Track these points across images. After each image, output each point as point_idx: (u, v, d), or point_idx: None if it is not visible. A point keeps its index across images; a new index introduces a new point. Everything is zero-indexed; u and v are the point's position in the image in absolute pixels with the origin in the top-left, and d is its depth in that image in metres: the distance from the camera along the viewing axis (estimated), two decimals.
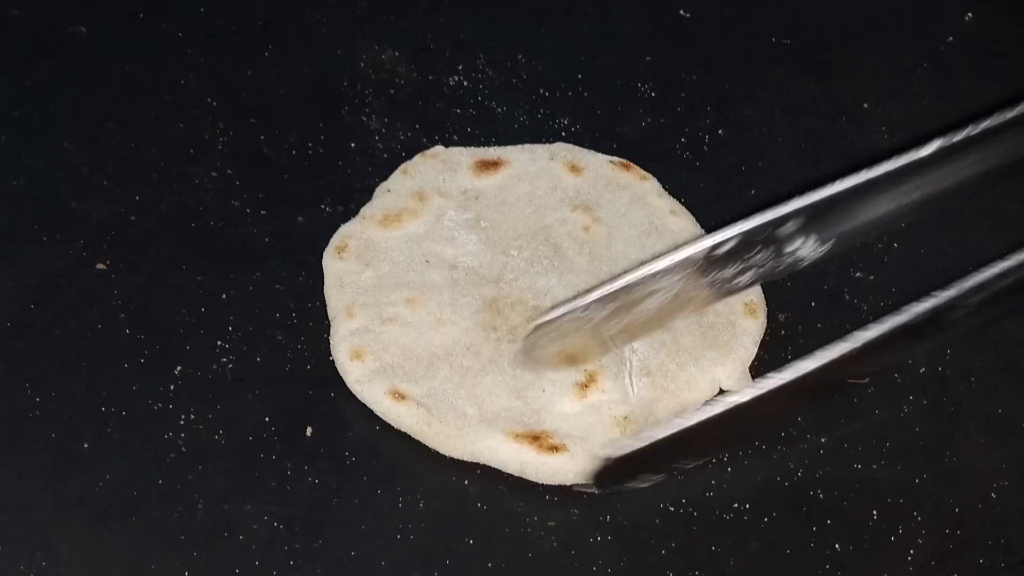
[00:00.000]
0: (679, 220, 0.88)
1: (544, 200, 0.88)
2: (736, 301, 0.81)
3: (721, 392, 0.80)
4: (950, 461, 0.80)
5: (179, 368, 0.82)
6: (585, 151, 0.94)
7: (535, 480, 0.75)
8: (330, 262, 0.84)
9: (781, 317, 0.87)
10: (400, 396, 0.76)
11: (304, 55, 1.04)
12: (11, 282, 0.86)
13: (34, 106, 0.97)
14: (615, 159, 0.94)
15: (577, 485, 0.75)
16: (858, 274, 0.90)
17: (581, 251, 0.84)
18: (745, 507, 0.77)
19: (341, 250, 0.84)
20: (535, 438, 0.74)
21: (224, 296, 0.87)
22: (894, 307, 0.84)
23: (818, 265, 0.85)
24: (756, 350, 0.83)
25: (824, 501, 0.78)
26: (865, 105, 1.02)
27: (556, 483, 0.74)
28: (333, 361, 0.83)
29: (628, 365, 0.78)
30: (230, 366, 0.83)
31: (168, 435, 0.79)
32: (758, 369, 0.83)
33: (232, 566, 0.73)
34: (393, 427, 0.80)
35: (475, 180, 0.88)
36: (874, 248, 0.91)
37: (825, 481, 0.79)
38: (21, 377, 0.81)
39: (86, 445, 0.78)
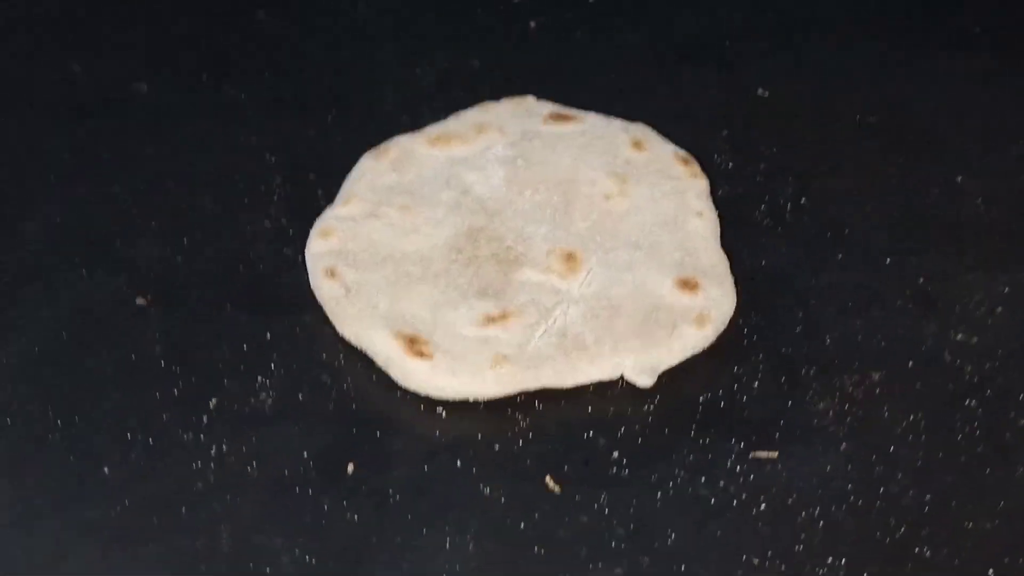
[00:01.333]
0: (700, 223, 0.85)
1: (589, 159, 0.87)
2: (691, 308, 0.79)
3: (622, 379, 0.77)
4: None
5: (214, 401, 0.76)
6: (658, 136, 0.93)
7: (394, 378, 0.76)
8: (365, 159, 0.87)
9: (875, 376, 0.79)
10: (332, 274, 0.80)
11: (370, 123, 1.00)
12: (45, 310, 0.81)
13: (88, 154, 0.94)
14: (680, 151, 0.92)
15: None
16: (959, 336, 0.81)
17: (588, 215, 0.83)
18: (840, 562, 0.68)
19: (382, 153, 0.87)
20: (412, 341, 0.75)
21: (269, 336, 0.81)
22: (1000, 370, 0.78)
23: (914, 327, 0.80)
24: (684, 357, 0.78)
25: (932, 560, 0.68)
26: (959, 179, 0.95)
27: (409, 388, 0.75)
28: (379, 402, 0.76)
29: (551, 320, 0.77)
30: (269, 402, 0.76)
31: (196, 465, 0.72)
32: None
33: None
34: (443, 466, 0.72)
35: (541, 127, 0.89)
36: (976, 311, 0.83)
37: (933, 539, 0.69)
38: (45, 401, 0.75)
39: (107, 470, 0.71)
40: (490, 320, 0.77)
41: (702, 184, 0.90)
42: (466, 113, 0.91)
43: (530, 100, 0.92)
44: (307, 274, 0.85)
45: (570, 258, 0.82)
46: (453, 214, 0.83)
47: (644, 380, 0.77)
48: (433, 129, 0.90)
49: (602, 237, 0.83)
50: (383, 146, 0.88)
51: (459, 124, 0.89)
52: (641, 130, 0.93)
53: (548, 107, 0.92)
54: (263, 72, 1.04)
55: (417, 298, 0.78)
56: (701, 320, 0.79)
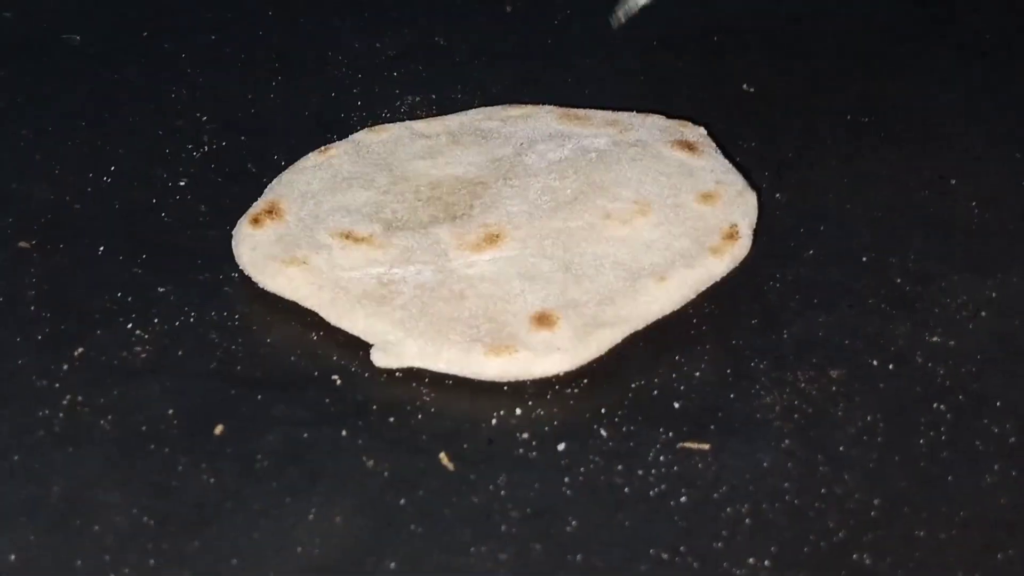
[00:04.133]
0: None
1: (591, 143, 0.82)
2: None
3: None
4: None
5: (79, 350, 0.68)
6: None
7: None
8: (363, 133, 0.84)
9: (833, 373, 0.69)
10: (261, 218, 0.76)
11: (314, 89, 0.94)
12: None
13: (3, 97, 0.87)
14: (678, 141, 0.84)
15: None
16: (934, 339, 0.72)
17: (557, 194, 0.77)
18: (763, 563, 0.58)
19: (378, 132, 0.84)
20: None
21: (160, 290, 0.73)
22: (976, 376, 0.68)
23: (885, 327, 0.71)
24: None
25: (872, 568, 0.57)
26: (952, 181, 0.86)
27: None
28: (269, 366, 0.67)
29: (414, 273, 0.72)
30: (143, 355, 0.68)
31: (43, 413, 0.64)
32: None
33: (74, 556, 0.56)
34: (324, 435, 0.63)
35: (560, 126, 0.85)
36: (957, 314, 0.73)
37: (876, 546, 0.59)
38: None
39: None
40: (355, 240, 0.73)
41: (702, 160, 0.82)
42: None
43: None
44: (215, 232, 0.77)
45: (493, 237, 0.74)
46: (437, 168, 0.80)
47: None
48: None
49: (561, 215, 0.76)
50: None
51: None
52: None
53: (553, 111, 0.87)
54: (208, 31, 0.98)
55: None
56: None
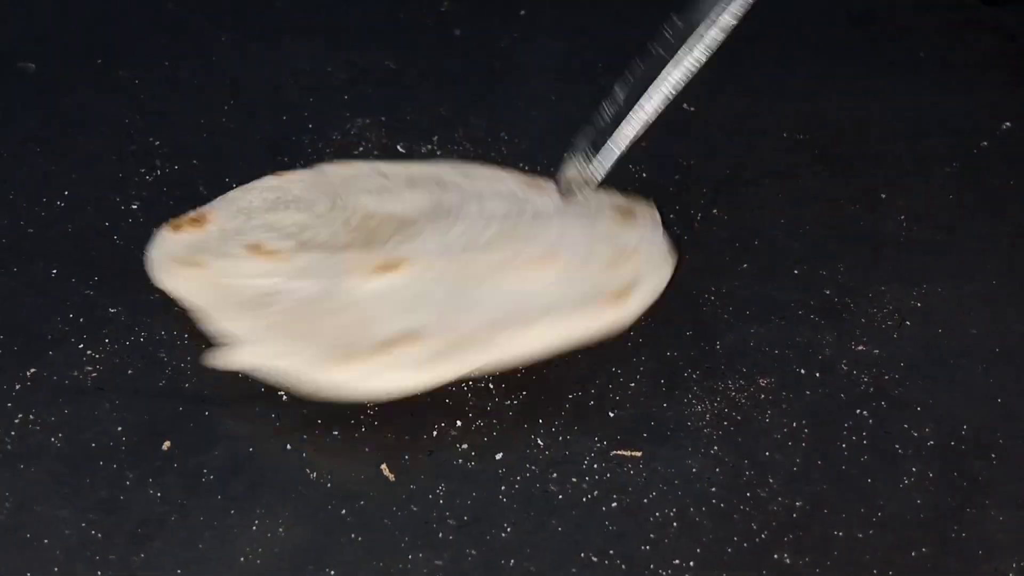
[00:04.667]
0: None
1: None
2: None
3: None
4: (958, 536, 0.62)
5: (32, 371, 0.70)
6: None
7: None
8: (330, 165, 0.85)
9: (763, 382, 0.72)
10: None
11: (267, 113, 0.96)
12: None
13: None
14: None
15: None
16: (860, 347, 0.74)
17: (476, 237, 0.77)
18: (688, 564, 0.60)
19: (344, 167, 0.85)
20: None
21: (112, 311, 0.75)
22: (899, 382, 0.71)
23: (813, 337, 0.74)
24: None
25: (791, 567, 0.60)
26: (883, 195, 0.89)
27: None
28: (217, 383, 0.69)
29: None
30: (93, 374, 0.70)
31: None
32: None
33: (23, 569, 0.58)
34: (269, 449, 0.65)
35: None
36: (883, 324, 0.76)
37: (796, 546, 0.61)
38: None
39: None
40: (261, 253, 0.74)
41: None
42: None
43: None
44: None
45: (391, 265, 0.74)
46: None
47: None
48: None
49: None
50: None
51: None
52: None
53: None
54: (162, 59, 1.00)
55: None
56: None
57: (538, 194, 0.83)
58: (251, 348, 0.69)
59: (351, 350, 0.68)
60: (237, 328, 0.70)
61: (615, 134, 0.77)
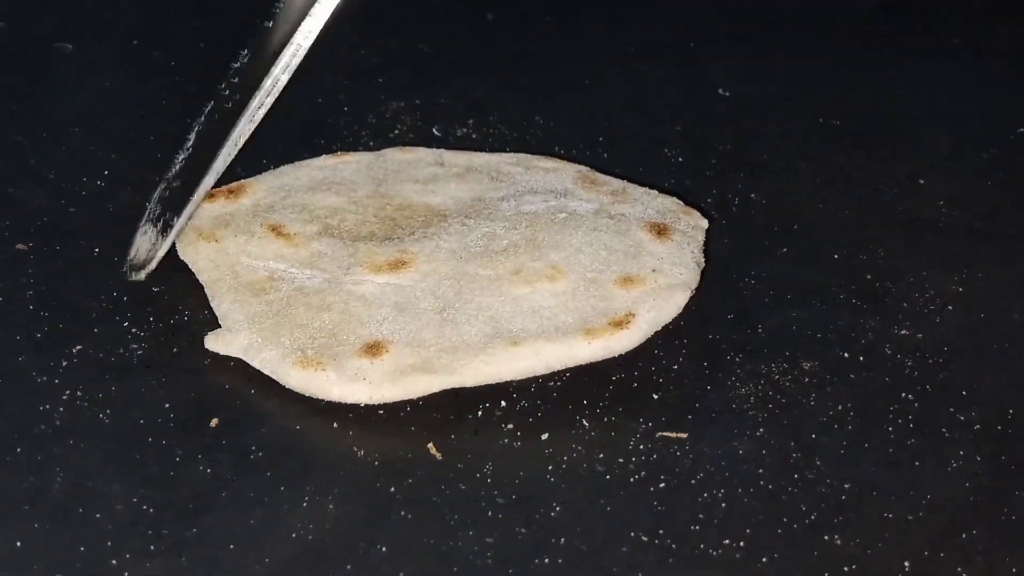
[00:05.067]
0: None
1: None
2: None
3: None
4: (1007, 519, 0.62)
5: (78, 347, 0.70)
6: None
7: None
8: (392, 150, 0.85)
9: (806, 365, 0.72)
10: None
11: (304, 95, 0.95)
12: None
13: None
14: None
15: None
16: (903, 332, 0.74)
17: (494, 242, 0.76)
18: (738, 544, 0.61)
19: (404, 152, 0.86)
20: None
21: (155, 290, 0.75)
22: (944, 366, 0.71)
23: (855, 321, 0.74)
24: None
25: (841, 548, 0.60)
26: (921, 181, 0.89)
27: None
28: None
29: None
30: (139, 352, 0.70)
31: (44, 407, 0.66)
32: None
33: (77, 543, 0.58)
34: (317, 427, 0.66)
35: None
36: (925, 309, 0.76)
37: (846, 528, 0.61)
38: None
39: None
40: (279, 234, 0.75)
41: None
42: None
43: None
44: None
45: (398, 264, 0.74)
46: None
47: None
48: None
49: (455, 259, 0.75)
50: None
51: None
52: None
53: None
54: (198, 39, 1.00)
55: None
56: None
57: (586, 191, 0.81)
58: (241, 335, 0.69)
59: (324, 353, 0.68)
60: (233, 311, 0.70)
61: (190, 199, 0.74)
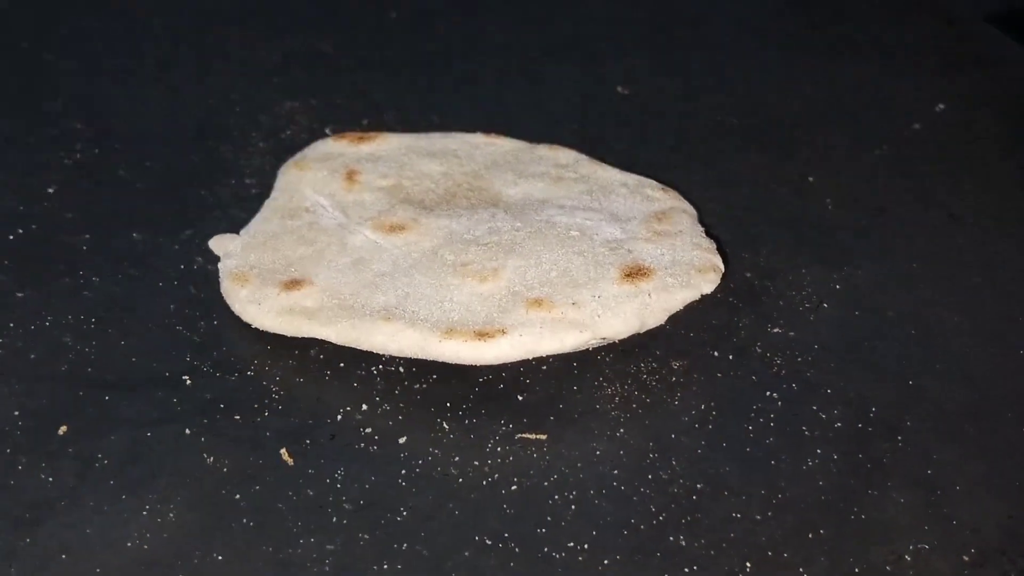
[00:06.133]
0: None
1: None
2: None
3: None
4: (856, 518, 0.61)
5: None
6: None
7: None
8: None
9: (675, 364, 0.71)
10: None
11: (196, 95, 0.95)
12: None
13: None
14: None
15: None
16: (776, 330, 0.74)
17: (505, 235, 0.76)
18: (582, 547, 0.60)
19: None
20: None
21: (20, 295, 0.74)
22: (812, 365, 0.70)
23: (730, 319, 0.73)
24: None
25: (685, 549, 0.59)
26: (811, 179, 0.89)
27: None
28: (120, 367, 0.69)
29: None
30: None
31: None
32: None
33: None
34: (168, 434, 0.65)
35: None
36: (800, 306, 0.76)
37: (692, 528, 0.61)
38: None
39: None
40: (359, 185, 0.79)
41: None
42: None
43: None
44: (80, 237, 0.79)
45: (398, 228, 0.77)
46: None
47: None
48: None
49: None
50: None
51: None
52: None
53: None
54: (90, 41, 0.99)
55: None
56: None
57: (653, 236, 0.76)
58: (237, 241, 0.75)
59: (261, 276, 0.72)
60: (257, 223, 0.77)
61: None
